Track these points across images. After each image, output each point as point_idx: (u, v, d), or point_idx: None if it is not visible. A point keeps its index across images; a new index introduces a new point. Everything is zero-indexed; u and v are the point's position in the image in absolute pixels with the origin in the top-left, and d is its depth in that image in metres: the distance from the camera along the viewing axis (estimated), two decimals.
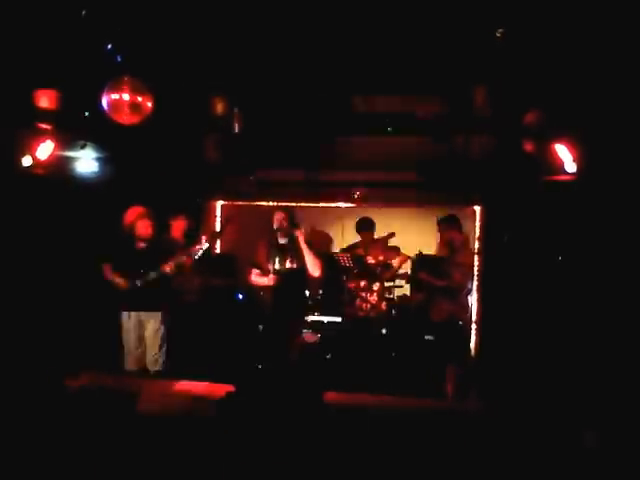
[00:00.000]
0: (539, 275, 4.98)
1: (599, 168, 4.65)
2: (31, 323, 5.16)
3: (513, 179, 5.40)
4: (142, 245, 5.10)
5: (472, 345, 5.99)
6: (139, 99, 3.70)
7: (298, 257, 5.11)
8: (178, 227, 5.76)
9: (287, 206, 5.81)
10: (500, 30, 4.27)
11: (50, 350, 5.09)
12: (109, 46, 3.73)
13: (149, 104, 3.84)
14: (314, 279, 5.22)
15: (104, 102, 3.77)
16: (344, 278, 5.94)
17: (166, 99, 4.91)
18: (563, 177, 4.68)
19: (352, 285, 5.89)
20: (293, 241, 5.19)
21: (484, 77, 4.77)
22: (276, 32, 4.43)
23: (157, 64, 4.76)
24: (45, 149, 4.93)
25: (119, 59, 3.78)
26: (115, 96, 3.69)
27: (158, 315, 5.12)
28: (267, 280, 5.12)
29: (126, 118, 3.75)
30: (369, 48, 4.64)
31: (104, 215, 5.50)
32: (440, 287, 5.84)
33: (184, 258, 5.20)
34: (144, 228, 5.05)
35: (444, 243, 5.98)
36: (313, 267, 5.00)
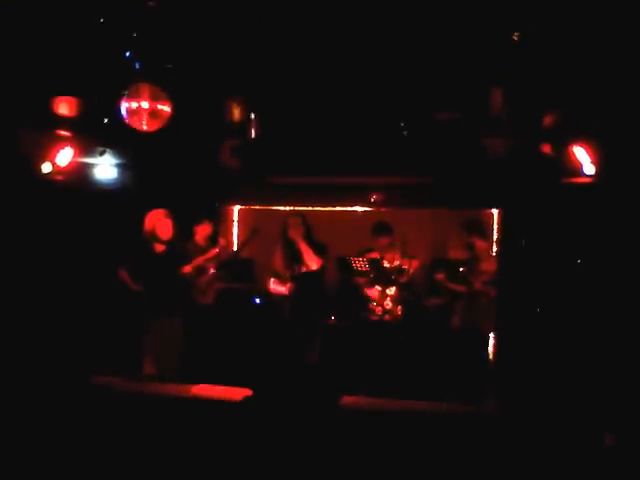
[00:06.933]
0: (558, 278, 4.92)
1: (618, 170, 4.60)
2: (48, 328, 5.21)
3: (531, 182, 5.35)
4: (161, 249, 5.14)
5: (490, 349, 5.94)
6: (158, 106, 3.72)
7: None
8: (202, 232, 5.89)
9: (300, 211, 5.86)
10: (517, 33, 4.27)
11: (69, 352, 5.15)
12: (128, 53, 3.76)
13: (168, 111, 3.86)
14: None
15: (122, 109, 3.80)
16: (359, 282, 5.91)
17: (184, 105, 4.96)
18: (582, 179, 4.64)
19: (367, 289, 5.86)
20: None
21: (502, 79, 4.76)
22: (292, 39, 4.49)
23: (175, 70, 4.81)
24: (65, 156, 4.98)
25: (137, 66, 3.80)
26: (134, 103, 3.72)
27: (177, 320, 5.16)
28: (285, 289, 5.28)
29: (145, 125, 3.77)
30: (386, 51, 4.65)
31: (122, 221, 5.55)
32: (459, 293, 5.83)
33: (202, 261, 5.39)
34: (165, 230, 5.10)
35: (464, 246, 5.95)
36: (311, 262, 5.38)
